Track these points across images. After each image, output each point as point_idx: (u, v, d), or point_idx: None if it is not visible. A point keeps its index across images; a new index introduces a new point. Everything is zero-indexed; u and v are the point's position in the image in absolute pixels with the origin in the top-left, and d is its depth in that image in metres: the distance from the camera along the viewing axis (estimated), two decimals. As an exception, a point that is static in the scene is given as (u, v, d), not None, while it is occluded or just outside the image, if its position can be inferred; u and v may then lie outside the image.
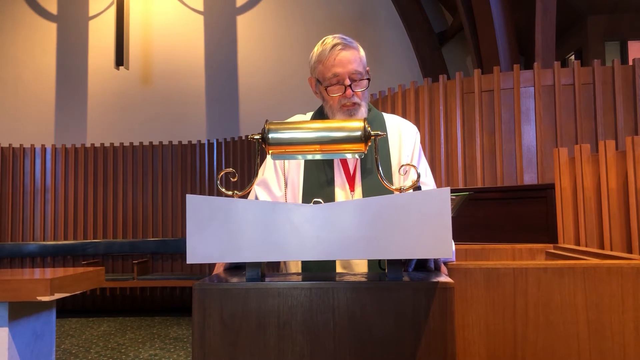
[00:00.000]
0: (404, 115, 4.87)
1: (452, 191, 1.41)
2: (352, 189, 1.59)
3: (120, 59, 6.88)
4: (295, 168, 1.63)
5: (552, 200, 3.47)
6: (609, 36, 6.52)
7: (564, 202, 2.43)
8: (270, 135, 1.24)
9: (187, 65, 7.43)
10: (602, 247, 2.23)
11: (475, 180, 4.35)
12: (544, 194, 3.66)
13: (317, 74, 1.63)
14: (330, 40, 1.60)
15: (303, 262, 1.53)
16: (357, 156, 1.30)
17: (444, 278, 1.14)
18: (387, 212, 1.08)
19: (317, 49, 1.62)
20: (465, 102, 4.45)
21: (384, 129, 1.64)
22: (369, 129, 1.24)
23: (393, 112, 5.01)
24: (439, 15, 7.22)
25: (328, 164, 1.61)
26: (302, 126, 1.27)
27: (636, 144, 2.08)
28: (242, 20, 7.48)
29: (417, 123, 4.74)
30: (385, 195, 1.11)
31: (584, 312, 1.53)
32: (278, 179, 1.65)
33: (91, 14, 7.56)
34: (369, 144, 1.25)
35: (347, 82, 1.57)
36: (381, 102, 5.17)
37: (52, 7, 7.57)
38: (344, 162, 1.62)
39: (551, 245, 2.35)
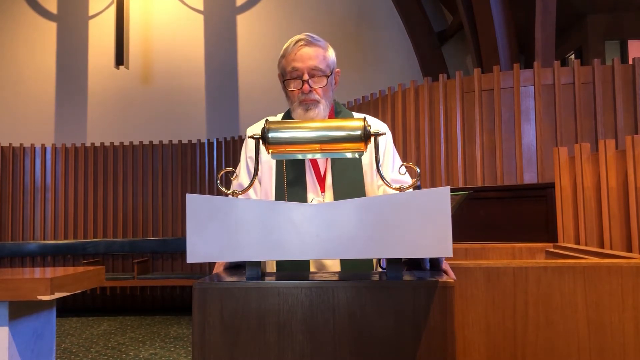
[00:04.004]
0: (404, 114, 4.87)
1: (452, 190, 1.41)
2: (322, 189, 1.59)
3: (120, 58, 6.88)
4: (267, 171, 1.63)
5: (552, 200, 3.47)
6: (609, 35, 6.51)
7: (563, 201, 2.43)
8: (270, 135, 1.24)
9: (187, 64, 7.43)
10: (602, 246, 2.23)
11: (475, 180, 4.35)
12: (544, 193, 3.66)
13: (280, 68, 1.64)
14: (297, 37, 1.61)
15: (278, 262, 1.52)
16: (357, 155, 1.30)
17: (444, 277, 1.14)
18: (387, 211, 1.08)
19: (285, 45, 1.63)
20: (465, 101, 4.45)
21: None
22: (369, 128, 1.24)
23: (393, 111, 5.01)
24: (439, 15, 7.22)
25: (298, 166, 1.60)
26: (302, 125, 1.27)
27: (636, 143, 2.08)
28: (242, 20, 7.48)
29: (417, 122, 4.74)
30: (386, 195, 1.11)
31: (584, 311, 1.53)
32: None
33: (91, 13, 7.55)
34: (369, 143, 1.25)
35: (305, 77, 1.57)
36: (381, 102, 5.17)
37: (52, 7, 7.57)
38: (315, 164, 1.62)
39: (551, 244, 2.35)
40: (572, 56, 6.91)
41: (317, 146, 1.25)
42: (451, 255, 1.08)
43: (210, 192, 6.80)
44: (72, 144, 7.02)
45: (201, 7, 7.50)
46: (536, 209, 3.67)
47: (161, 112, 7.40)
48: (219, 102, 7.40)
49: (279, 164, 1.61)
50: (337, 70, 1.65)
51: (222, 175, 1.28)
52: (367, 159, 1.61)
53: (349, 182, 1.58)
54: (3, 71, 7.49)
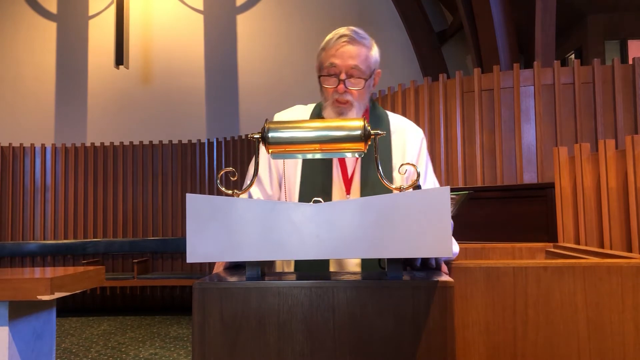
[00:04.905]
0: (404, 114, 4.87)
1: (452, 190, 1.40)
2: (348, 191, 1.55)
3: (120, 58, 6.88)
4: (292, 168, 1.58)
5: (552, 199, 3.47)
6: (609, 35, 6.51)
7: (563, 201, 2.43)
8: (270, 135, 1.24)
9: (187, 64, 7.43)
10: (601, 246, 2.23)
11: (475, 180, 4.35)
12: (543, 193, 3.66)
13: (318, 61, 1.57)
14: (341, 30, 1.53)
15: (296, 262, 1.50)
16: (357, 155, 1.29)
17: (444, 277, 1.14)
18: (387, 211, 1.08)
19: (327, 36, 1.56)
20: (465, 101, 4.45)
21: (387, 128, 1.58)
22: (369, 127, 1.23)
23: (393, 111, 5.00)
24: (439, 14, 7.22)
25: (326, 166, 1.56)
26: (302, 125, 1.27)
27: (636, 143, 2.08)
28: (242, 19, 7.48)
29: (417, 122, 4.73)
30: (386, 195, 1.11)
31: (584, 311, 1.53)
32: (271, 177, 1.61)
33: (91, 13, 7.55)
34: (369, 143, 1.25)
35: (343, 76, 1.50)
36: (381, 102, 5.17)
37: (52, 6, 7.57)
38: (343, 164, 1.57)
39: (551, 244, 2.35)
40: (572, 56, 6.91)
41: (317, 146, 1.24)
42: (451, 255, 1.09)
43: (210, 192, 6.80)
44: (72, 143, 7.02)
45: (201, 7, 7.50)
46: (536, 209, 3.67)
47: (161, 112, 7.40)
48: (219, 102, 7.40)
49: (306, 162, 1.56)
50: (378, 71, 1.57)
51: (222, 175, 1.28)
52: (399, 160, 1.55)
53: (376, 184, 1.50)
54: (3, 71, 7.49)
